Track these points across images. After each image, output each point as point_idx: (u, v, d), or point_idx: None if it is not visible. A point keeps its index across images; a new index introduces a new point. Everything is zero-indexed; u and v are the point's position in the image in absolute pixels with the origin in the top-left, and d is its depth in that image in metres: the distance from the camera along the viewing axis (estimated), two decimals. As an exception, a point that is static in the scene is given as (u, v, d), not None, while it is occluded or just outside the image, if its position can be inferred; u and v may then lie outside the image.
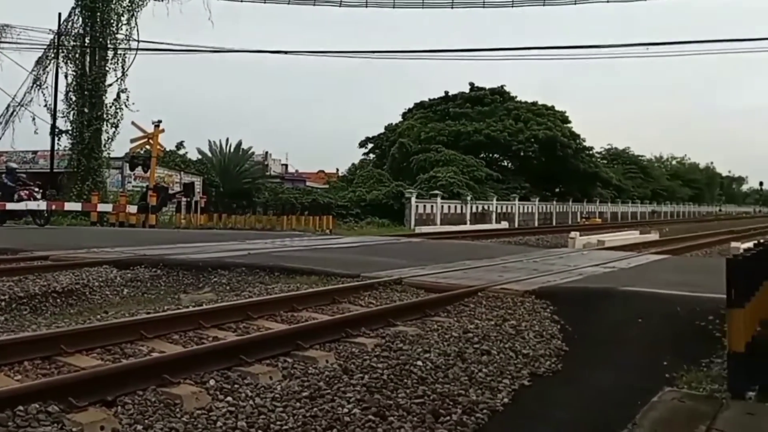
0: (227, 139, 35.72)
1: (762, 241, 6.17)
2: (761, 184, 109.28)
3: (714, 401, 4.55)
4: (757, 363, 4.77)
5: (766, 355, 4.77)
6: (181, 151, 36.58)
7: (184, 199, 26.23)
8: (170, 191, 25.84)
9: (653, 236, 26.98)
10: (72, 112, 25.44)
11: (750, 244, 6.81)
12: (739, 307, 4.62)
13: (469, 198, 36.01)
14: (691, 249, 22.69)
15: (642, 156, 67.41)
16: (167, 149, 35.26)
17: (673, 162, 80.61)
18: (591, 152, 50.58)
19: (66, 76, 25.53)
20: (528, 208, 42.10)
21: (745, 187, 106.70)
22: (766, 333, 4.97)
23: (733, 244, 18.81)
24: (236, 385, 4.65)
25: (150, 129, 23.95)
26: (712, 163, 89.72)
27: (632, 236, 25.58)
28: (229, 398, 4.40)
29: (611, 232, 27.40)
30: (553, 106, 47.84)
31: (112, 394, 4.19)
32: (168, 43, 25.15)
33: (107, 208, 23.31)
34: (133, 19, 25.82)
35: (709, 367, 5.39)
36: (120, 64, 25.72)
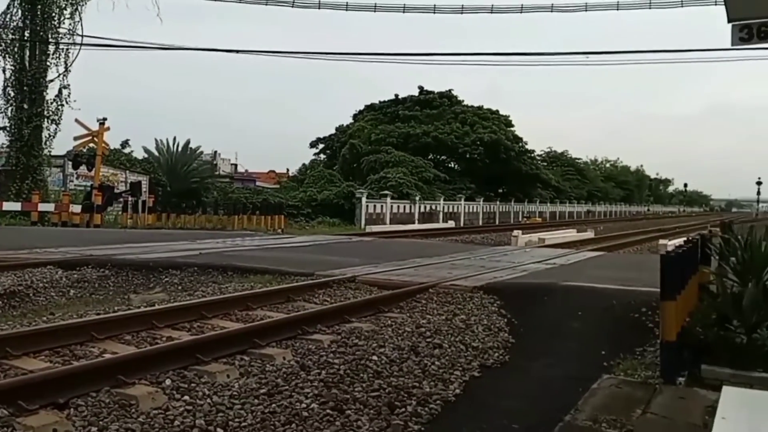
0: (174, 138, 34.87)
1: (691, 238, 6.52)
2: (686, 185, 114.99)
3: (648, 387, 4.79)
4: (686, 351, 5.05)
5: (694, 343, 5.06)
6: (127, 150, 35.44)
7: (130, 198, 25.43)
8: (116, 190, 25.01)
9: (589, 234, 27.91)
10: (10, 108, 24.15)
11: (680, 242, 7.17)
12: (671, 299, 4.88)
13: (417, 198, 36.35)
14: (624, 246, 23.61)
15: (579, 159, 69.61)
16: (112, 147, 34.18)
17: (607, 165, 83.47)
18: (532, 155, 51.83)
19: (3, 71, 24.27)
20: (473, 207, 42.82)
21: (671, 189, 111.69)
22: (694, 323, 5.26)
23: (662, 241, 19.67)
24: (193, 384, 4.59)
25: (94, 127, 23.12)
26: (642, 166, 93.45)
27: (570, 234, 26.39)
28: (186, 397, 4.34)
29: (551, 230, 28.18)
30: (497, 111, 48.83)
31: (64, 397, 4.06)
32: (113, 39, 24.32)
33: (49, 207, 22.34)
34: (77, 13, 24.72)
35: (643, 356, 5.66)
36: (62, 60, 24.62)
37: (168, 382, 4.59)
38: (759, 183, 74.75)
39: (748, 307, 5.24)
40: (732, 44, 4.62)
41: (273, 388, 4.59)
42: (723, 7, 4.82)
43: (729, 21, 4.54)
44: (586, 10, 15.46)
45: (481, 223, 41.72)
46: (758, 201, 79.18)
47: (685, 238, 6.90)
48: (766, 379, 4.62)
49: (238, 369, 5.00)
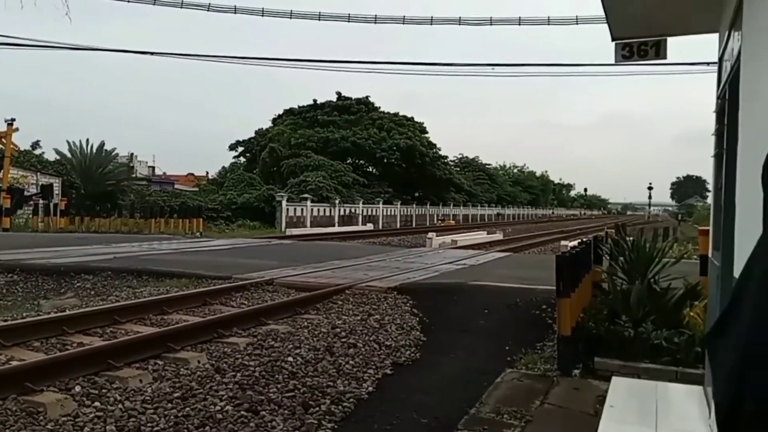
0: (88, 140, 32.94)
1: (584, 240, 6.91)
2: (585, 190, 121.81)
3: (547, 379, 5.04)
4: (581, 345, 5.35)
5: (587, 337, 5.37)
6: (38, 151, 33.22)
7: (41, 201, 23.82)
8: (26, 193, 23.37)
9: (498, 236, 28.88)
10: None
11: (575, 243, 7.58)
12: (566, 296, 5.15)
13: (337, 201, 36.31)
14: (530, 247, 24.60)
15: (489, 164, 71.88)
16: (22, 149, 31.86)
17: (515, 170, 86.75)
18: (446, 160, 53.07)
19: None
20: (391, 211, 43.31)
21: (573, 193, 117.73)
22: (587, 319, 5.58)
23: (563, 242, 20.62)
24: (104, 390, 4.38)
25: (2, 127, 21.50)
26: (546, 171, 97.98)
27: (481, 236, 27.21)
28: (96, 403, 4.14)
29: (463, 232, 28.95)
30: (412, 118, 49.64)
31: (-35, 407, 3.78)
32: (21, 38, 22.63)
33: (-49, 210, 20.60)
34: (-19, 10, 22.97)
35: (542, 350, 5.94)
36: (-35, 58, 22.79)
37: (78, 388, 4.37)
38: (650, 188, 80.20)
39: (635, 303, 5.62)
40: (615, 61, 4.96)
41: (187, 391, 4.45)
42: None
43: (612, 40, 4.87)
44: (491, 24, 16.04)
45: (398, 225, 42.22)
46: (650, 204, 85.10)
47: (579, 240, 7.30)
48: (652, 369, 4.97)
49: (152, 373, 4.81)
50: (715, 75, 4.18)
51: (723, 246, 3.23)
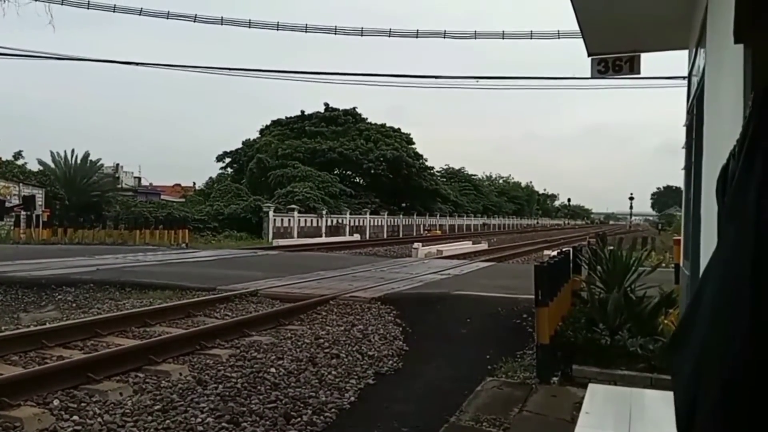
0: (73, 150, 32.64)
1: (562, 250, 6.99)
2: (569, 200, 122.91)
3: (526, 387, 5.08)
4: (560, 352, 5.40)
5: (565, 345, 5.42)
6: (20, 162, 32.84)
7: (23, 212, 23.54)
8: (7, 204, 23.09)
9: (483, 246, 29.01)
10: None
11: (554, 253, 7.65)
12: (545, 305, 5.21)
13: (324, 212, 36.27)
14: (514, 257, 24.74)
15: (475, 175, 72.32)
16: (4, 159, 31.50)
17: (500, 181, 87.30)
18: (432, 171, 53.34)
19: None
20: (378, 221, 43.35)
21: (557, 203, 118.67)
22: (566, 327, 5.64)
23: (546, 252, 20.76)
24: (83, 404, 4.35)
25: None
26: (531, 182, 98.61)
27: (466, 246, 27.31)
28: (75, 417, 4.11)
29: (449, 242, 29.05)
30: (399, 129, 49.86)
31: (-62, 422, 3.73)
32: (4, 47, 22.48)
33: (-69, 222, 20.28)
34: (-36, 20, 22.79)
35: (522, 358, 5.99)
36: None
37: (56, 402, 4.33)
38: (631, 198, 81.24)
39: (612, 312, 5.70)
40: (591, 76, 5.08)
41: (168, 404, 4.43)
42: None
43: (589, 55, 4.98)
44: (475, 38, 16.22)
45: (385, 235, 42.26)
46: (631, 214, 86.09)
47: (558, 250, 7.38)
48: (627, 376, 5.03)
49: (132, 386, 4.78)
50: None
51: (691, 255, 3.31)
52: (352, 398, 4.90)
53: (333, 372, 5.44)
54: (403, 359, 6.17)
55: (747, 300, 1.20)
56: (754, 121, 1.45)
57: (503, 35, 15.94)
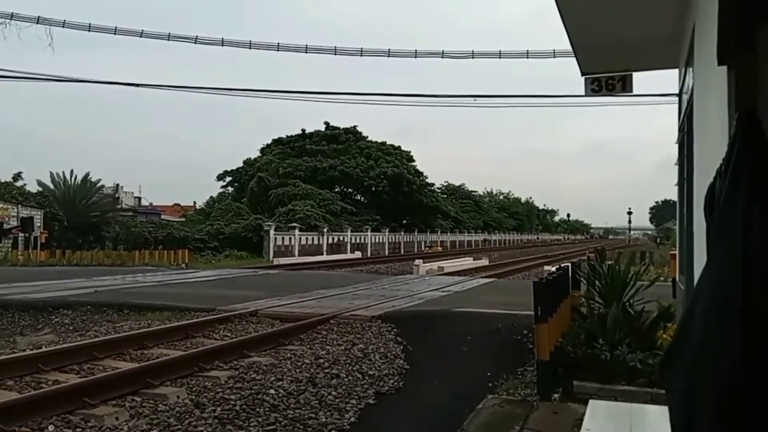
0: (72, 171, 32.77)
1: (561, 266, 6.99)
2: (569, 215, 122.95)
3: (527, 404, 5.04)
4: (560, 369, 5.37)
5: (565, 362, 5.39)
6: (19, 183, 32.95)
7: (21, 234, 23.55)
8: (5, 226, 23.13)
9: (484, 262, 28.94)
10: None
11: (554, 268, 7.64)
12: (544, 322, 5.19)
13: (325, 230, 36.27)
14: (514, 272, 24.66)
15: (475, 191, 72.45)
16: (3, 180, 31.61)
17: (501, 197, 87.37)
18: (432, 188, 53.44)
19: None
20: (379, 238, 43.32)
21: (557, 218, 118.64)
22: (566, 343, 5.62)
23: (546, 267, 20.71)
24: (78, 429, 4.32)
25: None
26: (531, 197, 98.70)
27: (467, 262, 27.26)
28: (70, 442, 4.08)
29: (450, 259, 29.00)
30: (399, 146, 50.07)
31: (-68, 450, 3.71)
32: (5, 69, 22.65)
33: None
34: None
35: (523, 375, 5.95)
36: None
37: (51, 428, 4.31)
38: (630, 213, 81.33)
39: (611, 327, 5.67)
40: (585, 94, 5.13)
41: (165, 428, 4.40)
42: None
43: (582, 74, 5.03)
44: (472, 57, 16.36)
45: (387, 252, 42.20)
46: (629, 229, 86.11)
47: (557, 266, 7.37)
48: (628, 392, 5.00)
49: (129, 410, 4.75)
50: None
51: (686, 270, 3.31)
52: (353, 419, 4.86)
53: (333, 392, 5.40)
54: (403, 378, 6.13)
55: (736, 317, 1.21)
56: (738, 141, 1.47)
57: (500, 55, 16.07)
